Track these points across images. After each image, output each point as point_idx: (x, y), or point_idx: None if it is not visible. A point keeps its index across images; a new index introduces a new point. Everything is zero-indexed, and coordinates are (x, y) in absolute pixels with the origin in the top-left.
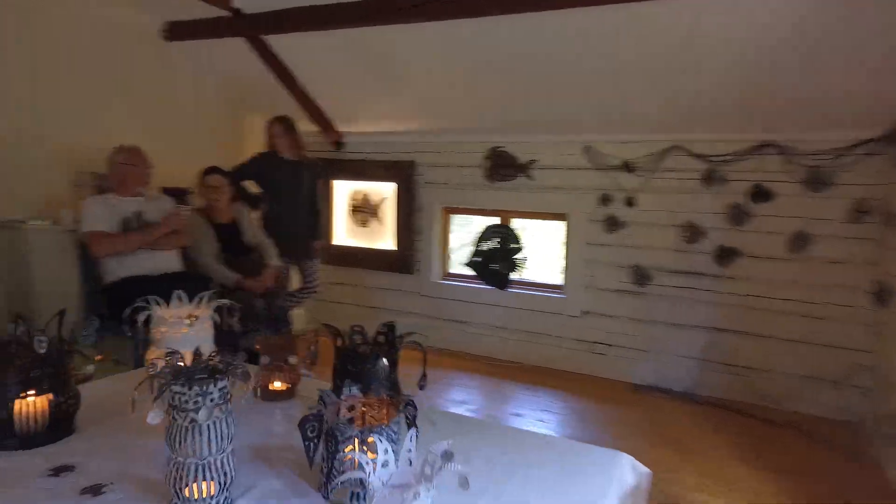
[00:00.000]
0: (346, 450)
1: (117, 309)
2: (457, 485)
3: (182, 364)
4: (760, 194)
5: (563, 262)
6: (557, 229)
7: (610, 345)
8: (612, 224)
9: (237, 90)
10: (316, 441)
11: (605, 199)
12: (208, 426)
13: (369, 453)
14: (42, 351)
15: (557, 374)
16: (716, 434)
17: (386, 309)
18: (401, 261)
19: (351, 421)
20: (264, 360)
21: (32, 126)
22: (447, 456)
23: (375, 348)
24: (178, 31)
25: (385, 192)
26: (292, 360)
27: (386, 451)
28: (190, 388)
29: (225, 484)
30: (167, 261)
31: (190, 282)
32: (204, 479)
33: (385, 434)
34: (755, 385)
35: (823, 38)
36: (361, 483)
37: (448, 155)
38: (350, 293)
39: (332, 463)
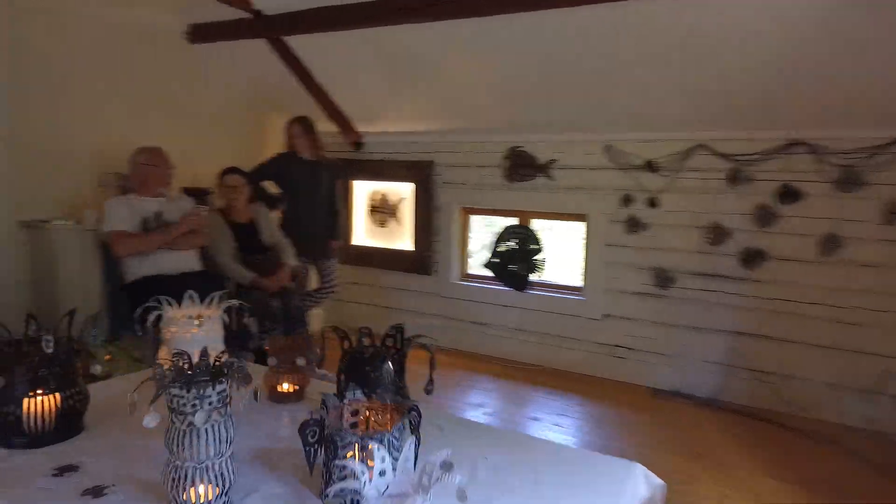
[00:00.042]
0: (348, 455)
1: (137, 307)
2: (455, 497)
3: (185, 365)
4: (789, 194)
5: (582, 264)
6: (577, 230)
7: (630, 348)
8: (634, 225)
9: (258, 91)
10: (316, 446)
11: (627, 200)
12: (206, 430)
13: (369, 461)
14: (49, 351)
15: (576, 378)
16: (739, 443)
17: (404, 310)
18: (419, 261)
19: (354, 426)
20: (272, 361)
21: (59, 128)
22: (446, 466)
23: (383, 351)
24: (201, 33)
25: (403, 192)
26: (300, 361)
27: (383, 459)
28: (188, 391)
29: (224, 488)
30: (186, 260)
31: (208, 281)
32: (202, 483)
33: (386, 441)
34: (781, 392)
35: (854, 33)
36: (357, 492)
37: (467, 155)
38: (368, 293)
39: (331, 470)
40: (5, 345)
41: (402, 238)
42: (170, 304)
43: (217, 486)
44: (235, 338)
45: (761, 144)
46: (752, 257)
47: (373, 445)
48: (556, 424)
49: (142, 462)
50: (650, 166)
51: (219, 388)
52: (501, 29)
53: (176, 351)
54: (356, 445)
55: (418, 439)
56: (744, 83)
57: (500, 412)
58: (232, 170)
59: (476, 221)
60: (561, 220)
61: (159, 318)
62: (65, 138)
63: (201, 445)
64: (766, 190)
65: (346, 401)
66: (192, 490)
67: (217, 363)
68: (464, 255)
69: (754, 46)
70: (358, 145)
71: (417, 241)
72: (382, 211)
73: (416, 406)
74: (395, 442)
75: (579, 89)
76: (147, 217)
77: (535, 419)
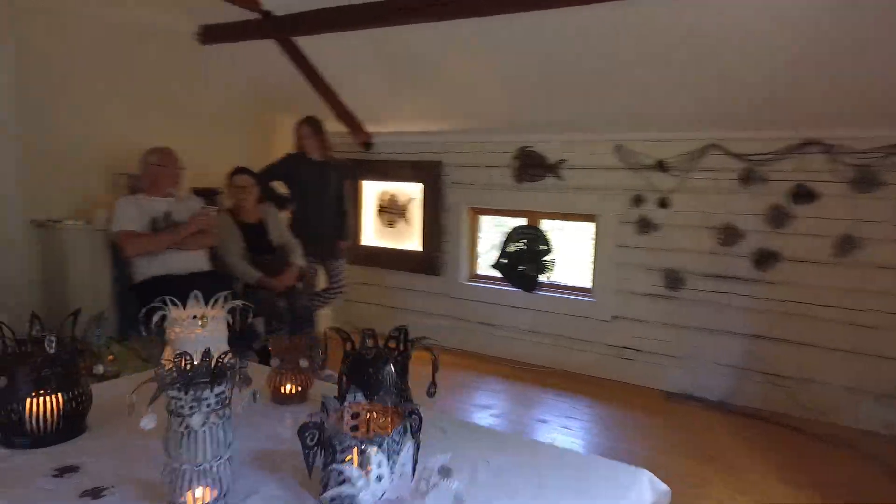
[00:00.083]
0: (347, 459)
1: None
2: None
3: (187, 367)
4: (803, 195)
5: (592, 265)
6: (587, 231)
7: (640, 350)
8: (645, 226)
9: (268, 92)
10: (315, 449)
11: (638, 200)
12: (204, 432)
13: (368, 466)
14: (51, 351)
15: (585, 380)
16: (752, 447)
17: (412, 310)
18: (427, 262)
19: (355, 429)
20: (275, 362)
21: (70, 129)
22: (444, 472)
23: (385, 353)
24: (211, 34)
25: (412, 192)
26: (303, 363)
27: (380, 464)
28: (186, 393)
29: (222, 491)
30: (195, 260)
31: (217, 281)
32: (200, 486)
33: (385, 445)
34: (796, 396)
35: (870, 31)
36: (352, 498)
37: (476, 155)
38: (376, 294)
39: (329, 473)
40: (9, 345)
41: (410, 238)
42: (174, 304)
43: (215, 488)
44: (240, 338)
45: (775, 144)
46: (765, 258)
47: (370, 450)
48: (564, 427)
49: (142, 463)
50: (661, 166)
51: (217, 390)
52: (511, 28)
53: (178, 352)
54: (355, 449)
55: (418, 444)
56: (757, 82)
57: (507, 414)
58: (241, 170)
59: (486, 222)
60: (570, 220)
61: (164, 318)
62: (76, 139)
63: (199, 448)
64: (780, 190)
65: (346, 403)
66: (189, 493)
67: (219, 364)
68: (472, 256)
69: (767, 45)
70: (367, 146)
71: (426, 242)
72: (391, 211)
73: (417, 409)
74: (394, 446)
75: (590, 89)
76: (156, 217)
77: (543, 421)
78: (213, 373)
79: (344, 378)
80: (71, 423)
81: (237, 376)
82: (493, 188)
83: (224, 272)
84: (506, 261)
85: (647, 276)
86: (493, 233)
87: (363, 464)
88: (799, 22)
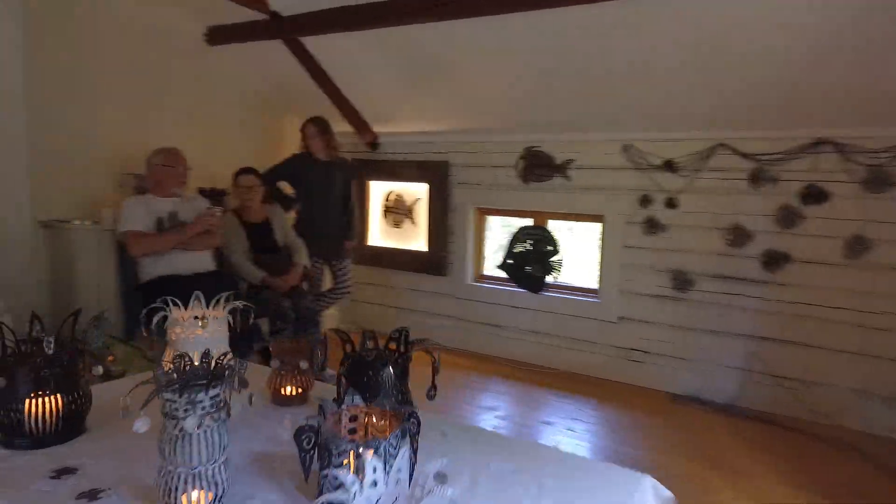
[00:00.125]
0: (343, 463)
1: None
2: None
3: (186, 368)
4: (814, 195)
5: (598, 266)
6: (594, 231)
7: (647, 352)
8: (652, 226)
9: (274, 92)
10: (312, 453)
11: (645, 201)
12: (199, 435)
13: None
14: (49, 352)
15: (591, 382)
16: (759, 450)
17: (418, 311)
18: (433, 262)
19: (353, 432)
20: (275, 363)
21: (77, 130)
22: (440, 478)
23: (385, 355)
24: (219, 35)
25: (418, 192)
26: (303, 365)
27: (375, 469)
28: (180, 396)
29: (217, 494)
30: (201, 260)
31: (222, 281)
32: (195, 489)
33: (382, 449)
34: (804, 399)
35: (882, 29)
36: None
37: (482, 155)
38: (382, 294)
39: (323, 478)
40: (9, 345)
41: (416, 239)
42: (176, 305)
43: (210, 491)
44: (242, 339)
45: (785, 144)
46: (774, 260)
47: (366, 454)
48: (568, 429)
49: (141, 465)
50: (669, 166)
51: (212, 392)
52: (518, 28)
53: (177, 353)
54: (351, 453)
55: (415, 448)
56: (766, 81)
57: (512, 415)
58: (247, 170)
59: (493, 222)
60: (577, 220)
61: (165, 319)
62: (83, 139)
63: (193, 451)
64: (790, 190)
65: (344, 406)
66: (184, 496)
67: (217, 365)
68: (479, 257)
69: (777, 43)
70: (373, 146)
71: (432, 242)
72: (397, 211)
73: (415, 413)
74: (391, 450)
75: (596, 88)
76: (162, 217)
77: (548, 423)
78: (210, 375)
79: (343, 380)
80: (70, 425)
81: (234, 379)
82: (500, 188)
83: (229, 272)
84: (512, 261)
85: (654, 278)
86: (499, 233)
87: (359, 468)
88: (809, 19)
